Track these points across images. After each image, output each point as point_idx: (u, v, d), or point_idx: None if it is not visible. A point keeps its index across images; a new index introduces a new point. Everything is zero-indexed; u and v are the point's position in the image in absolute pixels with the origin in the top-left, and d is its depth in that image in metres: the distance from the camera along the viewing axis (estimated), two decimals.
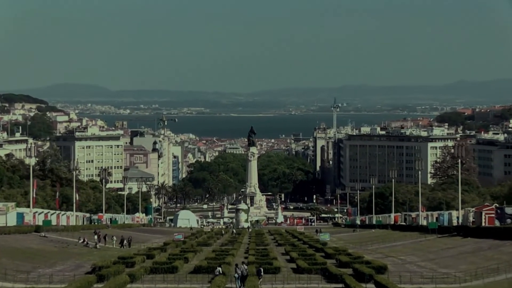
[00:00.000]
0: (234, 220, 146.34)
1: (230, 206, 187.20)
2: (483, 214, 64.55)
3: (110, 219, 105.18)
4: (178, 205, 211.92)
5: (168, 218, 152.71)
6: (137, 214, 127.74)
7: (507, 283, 39.56)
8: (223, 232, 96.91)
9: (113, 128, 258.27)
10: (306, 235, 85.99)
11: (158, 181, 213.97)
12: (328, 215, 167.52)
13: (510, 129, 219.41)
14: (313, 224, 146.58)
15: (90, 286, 38.88)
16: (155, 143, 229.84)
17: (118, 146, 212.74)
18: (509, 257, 45.37)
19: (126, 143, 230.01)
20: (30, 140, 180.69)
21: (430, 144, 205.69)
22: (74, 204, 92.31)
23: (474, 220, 66.90)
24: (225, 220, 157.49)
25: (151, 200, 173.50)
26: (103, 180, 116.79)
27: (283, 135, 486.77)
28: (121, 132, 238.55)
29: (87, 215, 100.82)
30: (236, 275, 40.18)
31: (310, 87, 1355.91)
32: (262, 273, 41.69)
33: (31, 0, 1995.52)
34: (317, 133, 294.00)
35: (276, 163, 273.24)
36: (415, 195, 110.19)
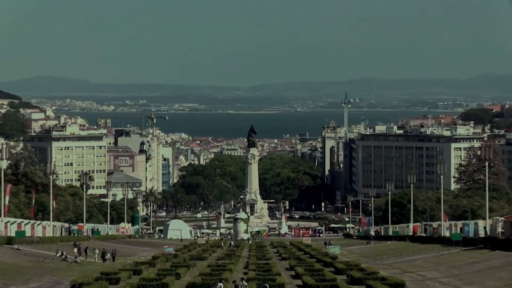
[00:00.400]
0: (232, 231, 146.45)
1: (227, 215, 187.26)
2: None
3: (92, 229, 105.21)
4: (169, 214, 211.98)
5: (157, 228, 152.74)
6: (122, 224, 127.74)
7: None
8: (222, 244, 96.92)
9: (95, 126, 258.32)
10: (313, 247, 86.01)
11: (146, 187, 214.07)
12: (339, 225, 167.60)
13: None
14: (321, 235, 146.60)
15: None
16: (142, 143, 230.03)
17: (100, 147, 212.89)
18: None
19: (110, 143, 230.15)
20: (1, 141, 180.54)
21: (453, 145, 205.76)
22: (51, 213, 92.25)
23: (503, 230, 66.80)
24: (222, 231, 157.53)
25: (138, 208, 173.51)
26: (84, 186, 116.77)
27: (288, 135, 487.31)
28: (104, 131, 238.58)
29: (66, 225, 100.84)
30: None
31: (318, 80, 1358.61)
32: None
33: None
34: (325, 133, 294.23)
35: (280, 166, 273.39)
36: (436, 202, 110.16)
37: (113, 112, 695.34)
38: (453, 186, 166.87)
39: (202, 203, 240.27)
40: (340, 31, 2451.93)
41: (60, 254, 65.91)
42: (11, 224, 75.30)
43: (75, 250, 67.17)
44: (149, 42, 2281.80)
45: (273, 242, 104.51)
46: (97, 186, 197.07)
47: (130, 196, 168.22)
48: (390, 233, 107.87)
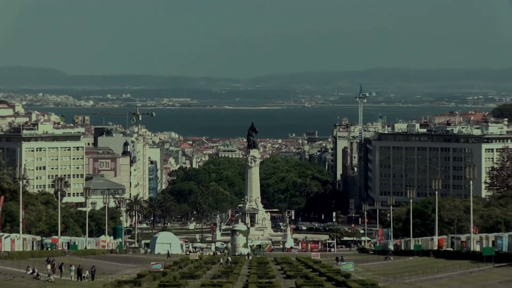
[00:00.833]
0: (229, 245, 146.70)
1: (224, 227, 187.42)
2: None
3: (68, 243, 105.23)
4: (157, 225, 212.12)
5: (143, 242, 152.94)
6: (102, 237, 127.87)
7: None
8: (221, 260, 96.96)
9: (72, 124, 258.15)
10: (323, 264, 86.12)
11: (130, 194, 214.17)
12: (352, 239, 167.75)
13: None
14: (332, 250, 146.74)
15: None
16: (126, 144, 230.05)
17: (77, 148, 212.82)
18: None
19: (89, 144, 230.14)
20: None
21: (484, 146, 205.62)
22: (21, 224, 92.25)
23: None
24: (218, 245, 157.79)
25: (121, 218, 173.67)
26: (59, 193, 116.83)
27: (293, 134, 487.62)
28: (82, 130, 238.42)
29: (38, 238, 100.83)
30: None
31: (328, 71, 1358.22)
32: None
33: None
34: (337, 132, 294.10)
35: (285, 170, 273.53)
36: (465, 212, 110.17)
37: (92, 108, 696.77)
38: (484, 193, 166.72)
39: (194, 212, 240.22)
40: (355, 13, 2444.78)
41: (31, 271, 65.94)
42: None
43: (49, 267, 67.19)
44: (133, 27, 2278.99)
45: (276, 258, 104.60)
46: (73, 193, 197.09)
47: (112, 204, 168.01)
48: (412, 248, 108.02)
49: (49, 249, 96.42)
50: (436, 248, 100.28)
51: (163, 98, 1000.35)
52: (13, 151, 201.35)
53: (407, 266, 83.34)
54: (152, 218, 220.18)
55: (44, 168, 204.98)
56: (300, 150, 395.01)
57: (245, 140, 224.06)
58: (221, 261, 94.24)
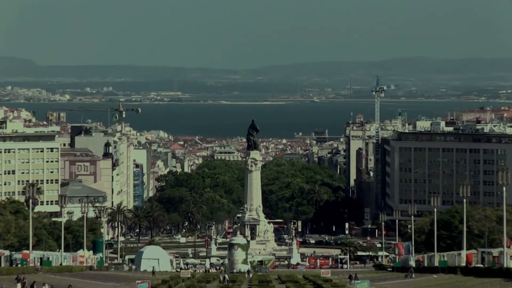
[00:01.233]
0: (226, 260, 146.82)
1: (220, 240, 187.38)
2: None
3: (41, 258, 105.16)
4: (143, 238, 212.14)
5: (127, 257, 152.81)
6: (80, 252, 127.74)
7: None
8: (221, 277, 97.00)
9: (45, 122, 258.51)
10: (334, 283, 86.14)
11: (113, 203, 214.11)
12: (368, 254, 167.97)
13: None
14: (345, 266, 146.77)
15: None
16: (107, 145, 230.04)
17: (52, 149, 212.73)
18: None
19: (65, 145, 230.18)
20: None
21: None
22: None
23: None
24: (213, 260, 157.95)
25: (102, 231, 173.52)
26: (30, 201, 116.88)
27: (300, 133, 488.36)
28: (57, 128, 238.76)
29: (6, 252, 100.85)
30: None
31: (340, 61, 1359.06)
32: None
33: None
34: (350, 130, 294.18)
35: (290, 175, 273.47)
36: (497, 223, 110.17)
37: (68, 103, 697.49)
38: None
39: (186, 224, 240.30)
40: None
41: None
42: None
43: (19, 286, 67.24)
44: (117, 10, 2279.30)
45: (280, 276, 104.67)
46: (47, 202, 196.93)
47: (91, 214, 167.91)
48: (436, 264, 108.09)
49: (19, 265, 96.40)
50: (464, 264, 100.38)
51: (150, 92, 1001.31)
52: None
53: (431, 285, 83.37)
54: (137, 230, 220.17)
55: (14, 172, 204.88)
56: (307, 151, 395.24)
57: (244, 140, 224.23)
58: (220, 278, 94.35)
